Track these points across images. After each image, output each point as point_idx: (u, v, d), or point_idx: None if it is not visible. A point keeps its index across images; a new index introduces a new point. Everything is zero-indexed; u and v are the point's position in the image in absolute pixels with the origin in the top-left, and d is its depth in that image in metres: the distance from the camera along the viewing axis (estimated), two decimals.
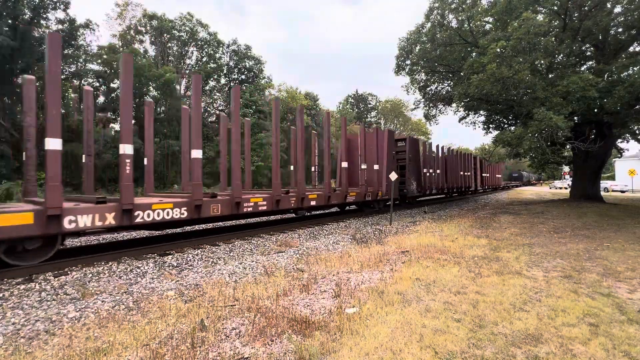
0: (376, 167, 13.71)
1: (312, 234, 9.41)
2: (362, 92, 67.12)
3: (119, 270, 5.63)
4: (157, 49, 35.40)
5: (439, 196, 23.81)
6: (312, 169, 16.39)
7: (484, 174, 30.51)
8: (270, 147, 13.26)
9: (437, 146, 19.87)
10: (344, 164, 12.53)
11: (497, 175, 37.86)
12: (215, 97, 39.14)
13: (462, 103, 17.53)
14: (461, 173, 23.19)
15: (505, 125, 18.55)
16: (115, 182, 24.53)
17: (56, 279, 5.13)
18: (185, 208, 6.90)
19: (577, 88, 11.82)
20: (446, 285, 4.52)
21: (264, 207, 8.65)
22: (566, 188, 37.83)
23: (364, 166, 12.98)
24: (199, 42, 36.83)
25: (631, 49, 15.46)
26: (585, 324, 3.35)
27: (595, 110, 14.34)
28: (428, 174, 17.59)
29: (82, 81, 28.91)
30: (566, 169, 37.61)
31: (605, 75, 14.12)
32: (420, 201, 19.91)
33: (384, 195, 13.86)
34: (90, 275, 5.33)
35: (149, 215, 6.38)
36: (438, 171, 19.09)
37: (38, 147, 7.47)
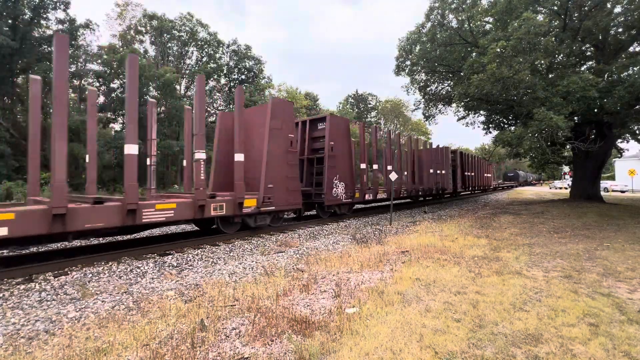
0: (239, 158, 8.23)
1: (312, 234, 9.41)
2: (362, 92, 67.18)
3: (119, 270, 5.63)
4: (157, 49, 35.42)
5: (400, 200, 18.47)
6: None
7: (467, 173, 25.45)
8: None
9: (389, 132, 15.01)
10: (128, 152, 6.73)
11: (486, 175, 33.06)
12: (215, 97, 39.15)
13: (462, 103, 17.49)
14: (431, 171, 18.86)
15: (505, 125, 18.49)
16: (116, 182, 24.55)
17: (56, 279, 5.14)
18: None
19: (577, 88, 11.82)
20: (446, 285, 4.52)
21: None
22: (566, 188, 37.80)
23: (199, 155, 7.43)
24: (199, 42, 36.85)
25: (631, 49, 15.46)
26: (585, 324, 3.35)
27: (595, 110, 14.34)
28: (370, 172, 12.95)
29: (82, 81, 28.90)
30: (566, 169, 37.36)
31: (605, 75, 14.12)
32: (361, 210, 14.67)
33: (262, 206, 8.51)
34: (90, 275, 5.33)
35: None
36: (390, 167, 14.31)
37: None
